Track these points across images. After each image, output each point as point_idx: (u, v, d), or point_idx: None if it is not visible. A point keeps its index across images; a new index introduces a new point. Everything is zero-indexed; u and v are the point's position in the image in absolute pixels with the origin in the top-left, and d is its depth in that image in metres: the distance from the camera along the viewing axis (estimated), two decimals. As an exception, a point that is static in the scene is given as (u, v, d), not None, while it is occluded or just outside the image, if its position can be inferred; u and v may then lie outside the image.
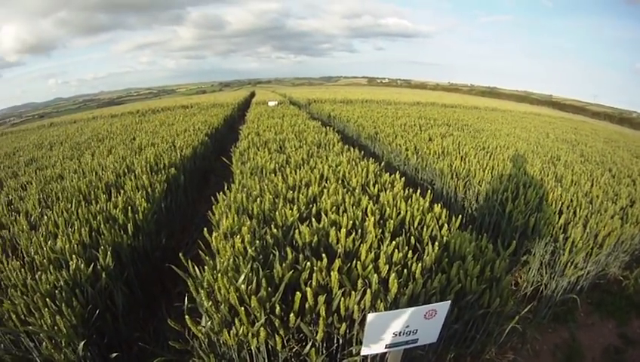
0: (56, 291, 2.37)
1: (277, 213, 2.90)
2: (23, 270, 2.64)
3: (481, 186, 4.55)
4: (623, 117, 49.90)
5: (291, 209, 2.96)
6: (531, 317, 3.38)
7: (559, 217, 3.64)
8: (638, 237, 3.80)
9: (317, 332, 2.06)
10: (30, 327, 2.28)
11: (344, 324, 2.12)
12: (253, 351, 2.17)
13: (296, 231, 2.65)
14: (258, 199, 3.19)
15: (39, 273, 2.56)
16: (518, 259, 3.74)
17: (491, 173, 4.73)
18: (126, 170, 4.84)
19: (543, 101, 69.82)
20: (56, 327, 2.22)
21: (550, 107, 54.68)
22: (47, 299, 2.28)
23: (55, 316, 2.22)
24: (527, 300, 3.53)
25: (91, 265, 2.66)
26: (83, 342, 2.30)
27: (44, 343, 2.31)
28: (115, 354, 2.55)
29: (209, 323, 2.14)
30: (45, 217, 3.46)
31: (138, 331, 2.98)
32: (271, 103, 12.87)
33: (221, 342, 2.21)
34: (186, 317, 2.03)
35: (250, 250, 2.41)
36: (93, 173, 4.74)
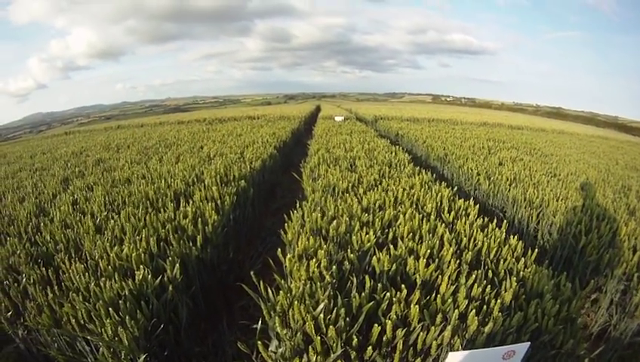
0: (120, 301, 2.34)
1: (353, 236, 2.79)
2: (86, 274, 2.61)
3: (555, 217, 4.32)
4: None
5: (367, 233, 2.85)
6: (595, 359, 3.20)
7: (633, 254, 3.41)
8: None
9: (391, 366, 1.97)
10: (89, 337, 2.27)
11: (419, 359, 2.02)
12: (324, 382, 2.09)
13: (374, 257, 2.54)
14: (334, 221, 3.09)
15: (103, 279, 2.54)
16: (588, 297, 3.55)
17: (565, 203, 4.49)
18: (195, 180, 4.86)
19: (610, 123, 67.52)
20: (117, 338, 2.19)
21: (616, 129, 52.74)
22: (110, 309, 2.25)
23: (117, 326, 2.18)
24: (593, 340, 3.34)
25: (159, 277, 2.62)
26: (144, 356, 2.26)
27: (100, 349, 2.29)
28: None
29: (280, 349, 2.08)
30: (111, 221, 3.47)
31: (199, 345, 2.94)
32: (338, 118, 12.85)
33: (289, 368, 2.15)
34: (259, 342, 1.97)
35: (327, 276, 2.32)
36: (162, 180, 4.78)
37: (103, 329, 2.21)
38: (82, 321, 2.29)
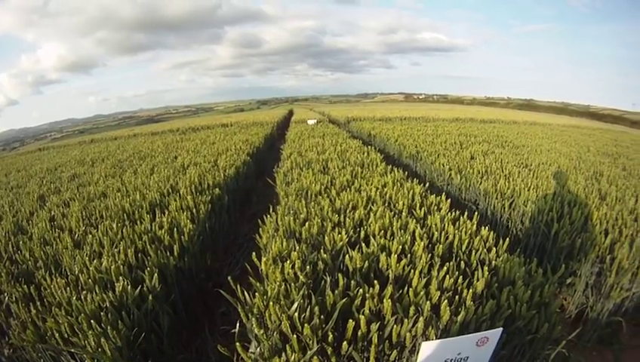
0: (102, 312, 2.37)
1: (325, 237, 2.86)
2: (67, 289, 2.63)
3: (526, 206, 4.42)
4: (665, 125, 47.82)
5: (340, 233, 2.91)
6: (575, 341, 3.27)
7: (605, 237, 3.50)
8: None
9: (367, 359, 2.02)
10: (73, 350, 2.28)
11: (395, 351, 2.08)
12: (303, 379, 2.13)
13: (347, 256, 2.60)
14: (307, 223, 3.14)
15: (84, 292, 2.56)
16: (563, 281, 3.63)
17: (536, 192, 4.61)
18: (170, 190, 4.88)
19: (581, 112, 68.16)
20: (100, 349, 2.21)
21: (588, 118, 53.32)
22: (92, 321, 2.28)
23: (100, 337, 2.21)
24: (572, 323, 3.43)
25: (138, 287, 2.65)
26: (127, 365, 2.29)
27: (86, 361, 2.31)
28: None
29: (258, 349, 2.12)
30: (89, 236, 3.49)
31: (181, 352, 2.96)
32: (310, 122, 12.96)
33: (269, 368, 2.18)
34: (237, 344, 2.00)
35: (301, 276, 2.37)
36: (137, 193, 4.79)
37: (86, 342, 2.24)
38: (66, 335, 2.31)
